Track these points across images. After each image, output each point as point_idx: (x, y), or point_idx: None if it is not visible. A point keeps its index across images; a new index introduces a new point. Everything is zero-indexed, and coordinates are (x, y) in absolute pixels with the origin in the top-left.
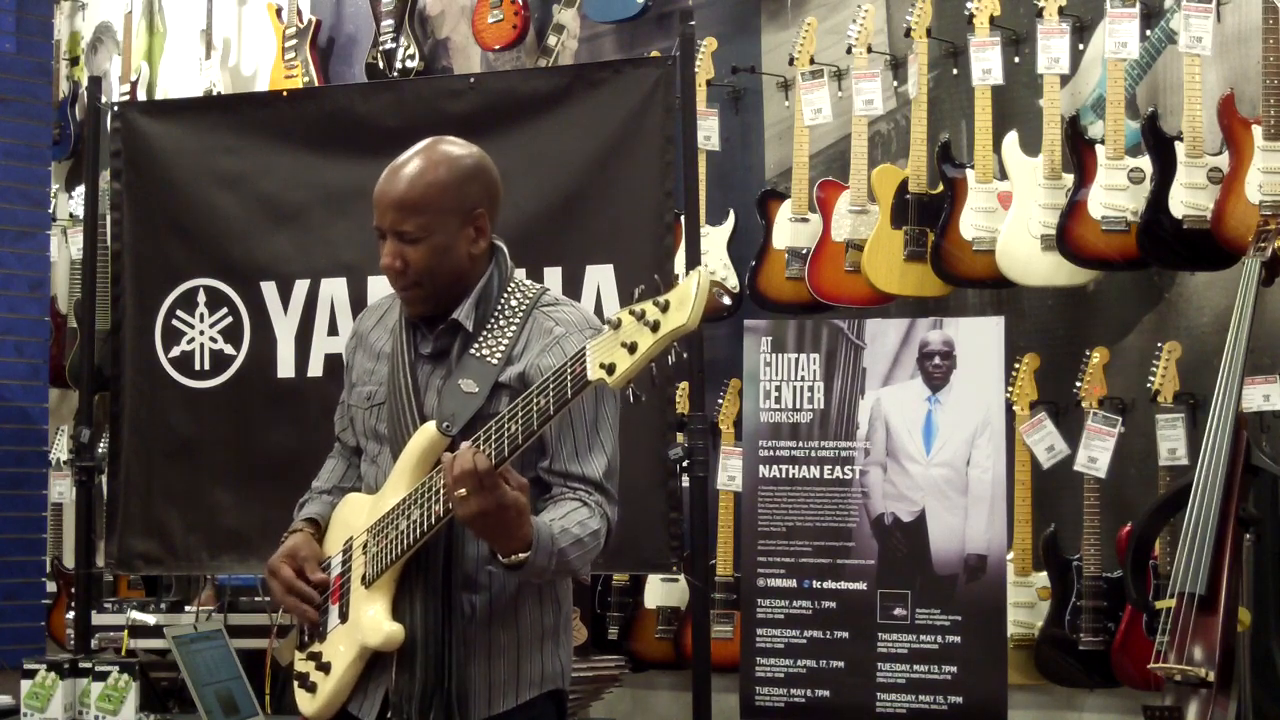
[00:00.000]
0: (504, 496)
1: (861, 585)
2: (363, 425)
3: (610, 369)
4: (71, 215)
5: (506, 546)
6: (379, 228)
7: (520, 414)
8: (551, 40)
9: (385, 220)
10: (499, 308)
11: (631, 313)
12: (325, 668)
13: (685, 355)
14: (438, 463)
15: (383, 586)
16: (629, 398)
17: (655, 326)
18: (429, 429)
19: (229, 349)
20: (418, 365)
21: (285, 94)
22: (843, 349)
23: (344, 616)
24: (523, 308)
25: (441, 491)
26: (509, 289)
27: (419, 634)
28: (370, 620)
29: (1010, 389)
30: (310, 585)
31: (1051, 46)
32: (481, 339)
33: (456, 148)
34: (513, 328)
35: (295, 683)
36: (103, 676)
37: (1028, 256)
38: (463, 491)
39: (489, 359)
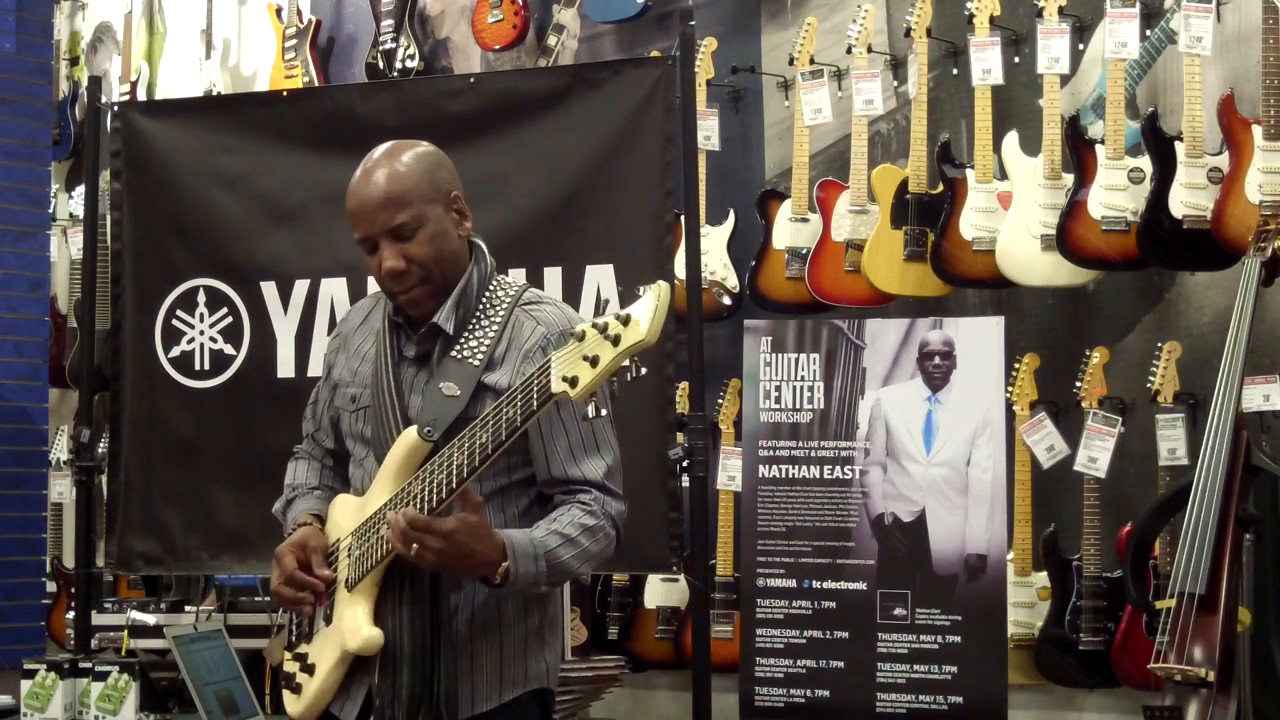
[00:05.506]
0: (442, 527)
1: (861, 585)
2: (348, 428)
3: (573, 382)
4: (71, 215)
5: (480, 568)
6: (368, 237)
7: (490, 425)
8: (551, 40)
9: (375, 225)
10: (480, 308)
11: (595, 325)
12: (310, 669)
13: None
14: (420, 466)
15: (364, 590)
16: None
17: (616, 340)
18: (410, 434)
19: (229, 349)
20: (401, 367)
21: (285, 94)
22: (843, 349)
23: (329, 619)
24: (503, 306)
25: (421, 497)
26: (490, 287)
27: (404, 638)
28: (350, 624)
29: (1010, 389)
30: (314, 579)
31: (1051, 46)
32: (463, 341)
33: (411, 144)
34: (494, 328)
35: (282, 682)
36: (103, 676)
37: (1028, 256)
38: (412, 549)
39: (470, 360)
